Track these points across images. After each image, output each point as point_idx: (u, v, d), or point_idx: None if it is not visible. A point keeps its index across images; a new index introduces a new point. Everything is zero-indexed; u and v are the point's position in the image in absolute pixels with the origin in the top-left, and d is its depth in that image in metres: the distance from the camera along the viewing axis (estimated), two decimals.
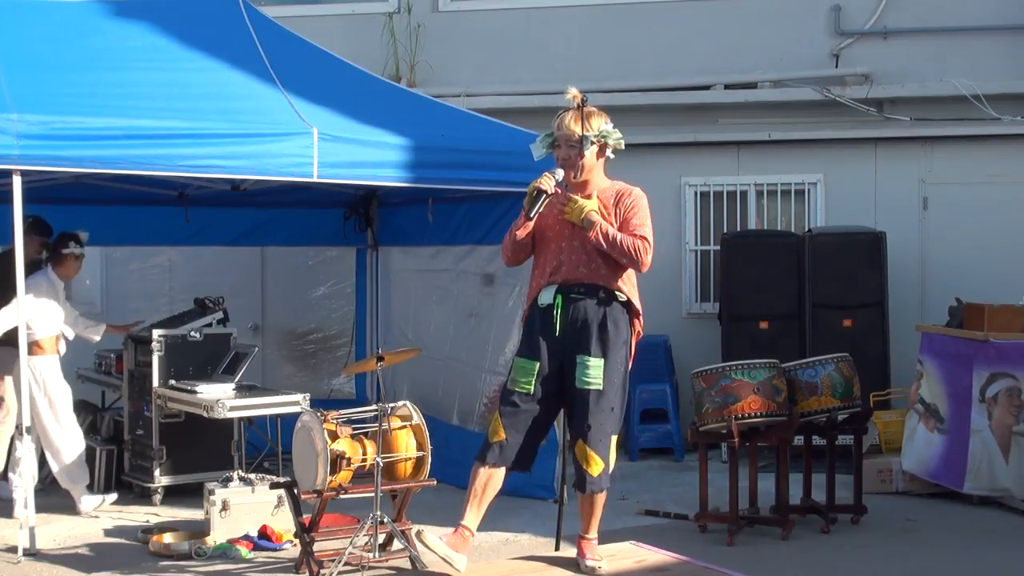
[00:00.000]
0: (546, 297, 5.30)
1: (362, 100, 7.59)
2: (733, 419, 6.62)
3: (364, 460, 5.93)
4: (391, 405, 6.07)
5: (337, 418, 6.10)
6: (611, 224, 5.27)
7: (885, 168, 10.10)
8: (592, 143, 5.32)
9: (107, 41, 7.34)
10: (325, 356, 9.82)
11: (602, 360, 5.23)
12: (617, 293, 5.29)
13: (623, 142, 5.44)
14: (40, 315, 7.24)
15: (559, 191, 5.34)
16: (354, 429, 6.11)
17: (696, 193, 10.44)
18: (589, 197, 5.32)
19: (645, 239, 5.25)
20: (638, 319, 5.41)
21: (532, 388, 5.25)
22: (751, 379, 6.67)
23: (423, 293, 9.01)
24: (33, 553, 6.38)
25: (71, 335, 7.58)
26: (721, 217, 10.36)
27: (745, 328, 9.33)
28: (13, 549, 6.41)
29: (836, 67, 10.25)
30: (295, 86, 7.28)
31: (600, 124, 5.35)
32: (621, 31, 10.53)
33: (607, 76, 10.46)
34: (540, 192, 5.24)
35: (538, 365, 5.26)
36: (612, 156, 5.47)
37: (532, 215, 5.27)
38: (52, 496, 7.40)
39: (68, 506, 7.35)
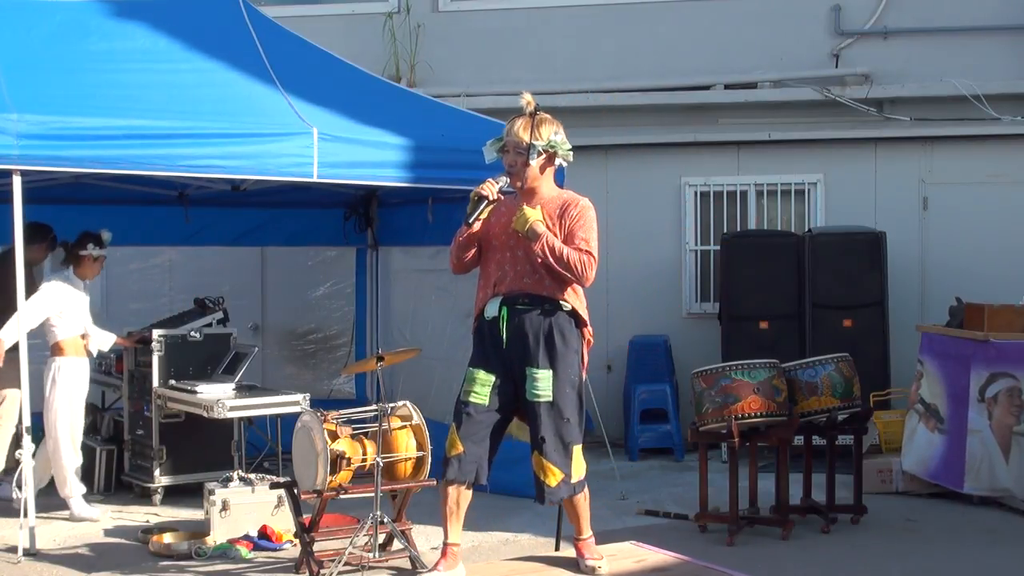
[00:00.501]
0: (491, 309, 5.22)
1: (362, 100, 7.59)
2: (733, 419, 6.62)
3: (364, 460, 5.93)
4: (391, 405, 6.07)
5: (337, 418, 6.10)
6: (556, 235, 5.15)
7: (885, 168, 10.10)
8: (540, 152, 5.19)
9: (107, 41, 7.34)
10: (325, 356, 9.82)
11: (550, 371, 5.16)
12: (562, 303, 5.19)
13: (572, 154, 5.31)
14: (58, 316, 7.26)
15: (502, 197, 5.24)
16: (354, 429, 6.11)
17: (696, 193, 10.43)
18: (534, 207, 5.20)
19: (591, 254, 5.15)
20: (587, 327, 5.32)
21: (487, 399, 5.20)
22: (751, 379, 6.67)
23: (423, 293, 9.00)
24: (33, 553, 6.38)
25: (97, 339, 7.54)
26: (721, 217, 10.36)
27: (745, 328, 9.33)
28: (13, 549, 6.41)
29: (836, 67, 10.25)
30: (295, 86, 7.28)
31: (550, 133, 5.21)
32: (621, 31, 10.53)
33: (607, 76, 10.47)
34: (482, 198, 5.15)
35: (493, 377, 5.21)
36: (564, 165, 5.38)
37: (471, 221, 5.16)
38: (52, 496, 7.39)
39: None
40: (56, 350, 7.29)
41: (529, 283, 5.18)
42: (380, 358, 5.97)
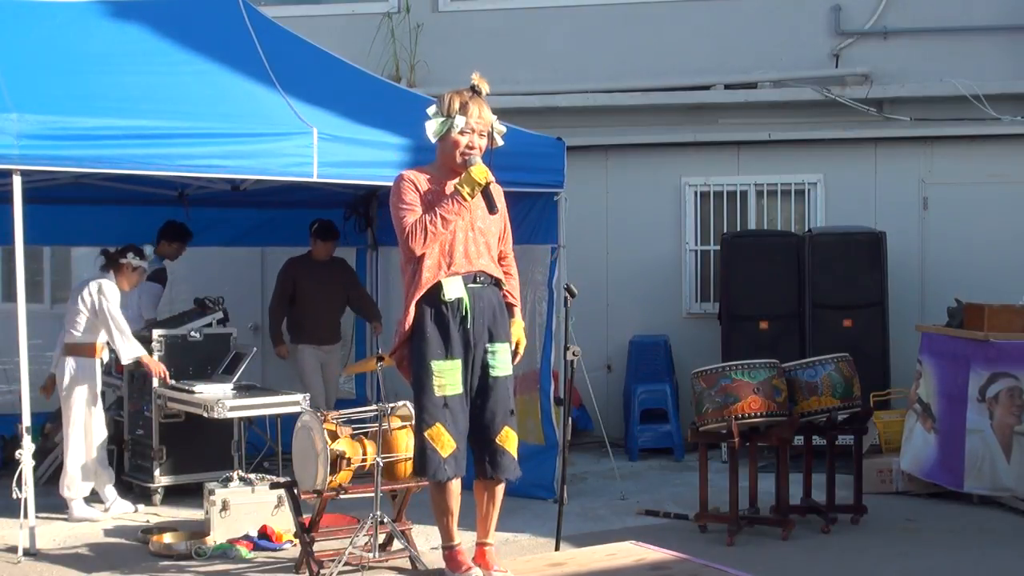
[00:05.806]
0: (455, 290, 4.92)
1: (362, 100, 7.60)
2: (733, 419, 6.61)
3: (364, 460, 5.94)
4: (391, 405, 6.07)
5: (337, 418, 6.10)
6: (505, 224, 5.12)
7: (885, 168, 10.10)
8: (494, 132, 5.07)
9: (107, 41, 7.35)
10: None
11: (507, 344, 5.02)
12: (502, 281, 5.07)
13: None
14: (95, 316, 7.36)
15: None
16: (354, 429, 6.11)
17: (696, 193, 10.44)
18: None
19: (514, 275, 5.17)
20: None
21: (460, 386, 4.92)
22: (751, 379, 6.67)
23: None
24: (33, 553, 6.39)
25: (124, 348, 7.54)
26: (721, 217, 10.36)
27: (745, 328, 9.32)
28: (13, 549, 6.41)
29: (836, 67, 10.25)
30: (294, 86, 7.28)
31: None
32: (621, 31, 10.53)
33: (607, 76, 10.46)
34: (488, 183, 4.89)
35: (458, 361, 4.92)
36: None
37: (495, 209, 4.93)
38: (53, 496, 7.39)
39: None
40: (73, 350, 7.30)
41: (484, 262, 5.00)
42: (380, 358, 5.97)
